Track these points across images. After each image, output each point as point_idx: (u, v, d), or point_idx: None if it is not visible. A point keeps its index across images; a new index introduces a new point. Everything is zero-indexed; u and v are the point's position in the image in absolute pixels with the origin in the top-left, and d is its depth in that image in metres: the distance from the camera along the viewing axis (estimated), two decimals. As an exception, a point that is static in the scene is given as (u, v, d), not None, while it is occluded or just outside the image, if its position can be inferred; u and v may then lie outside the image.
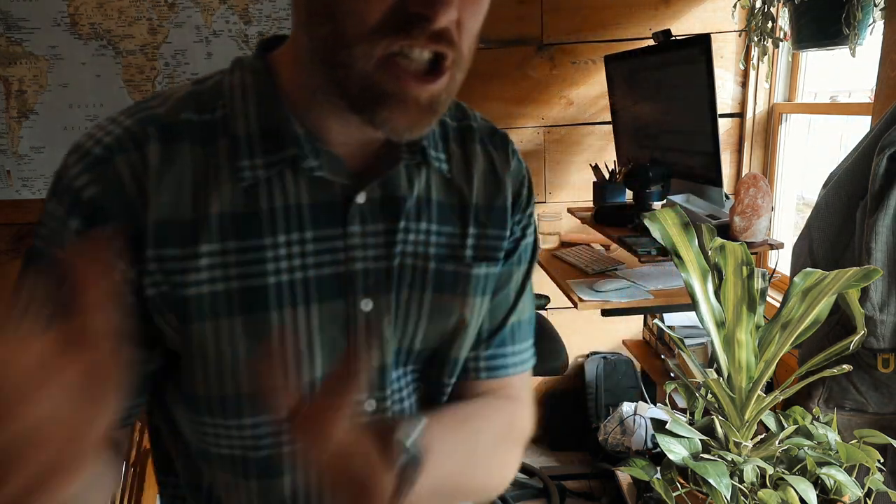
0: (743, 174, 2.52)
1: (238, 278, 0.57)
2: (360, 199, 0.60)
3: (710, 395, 0.97)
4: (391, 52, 0.49)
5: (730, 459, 0.90)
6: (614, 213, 2.13)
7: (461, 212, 0.66)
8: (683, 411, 1.09)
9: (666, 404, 1.02)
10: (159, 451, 0.74)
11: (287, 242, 0.58)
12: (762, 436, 0.97)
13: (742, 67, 2.47)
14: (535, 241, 0.73)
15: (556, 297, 2.31)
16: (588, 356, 2.80)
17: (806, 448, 0.91)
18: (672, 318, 2.19)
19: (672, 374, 2.18)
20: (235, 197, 0.57)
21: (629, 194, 2.23)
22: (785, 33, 2.15)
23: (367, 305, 0.61)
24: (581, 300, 1.81)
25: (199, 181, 0.57)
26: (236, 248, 0.57)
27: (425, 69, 0.51)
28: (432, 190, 0.64)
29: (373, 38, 0.49)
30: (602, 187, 2.32)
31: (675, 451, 0.90)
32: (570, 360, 2.31)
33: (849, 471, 0.89)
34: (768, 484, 0.89)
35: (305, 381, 0.60)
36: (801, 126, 2.41)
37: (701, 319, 0.95)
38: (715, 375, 0.94)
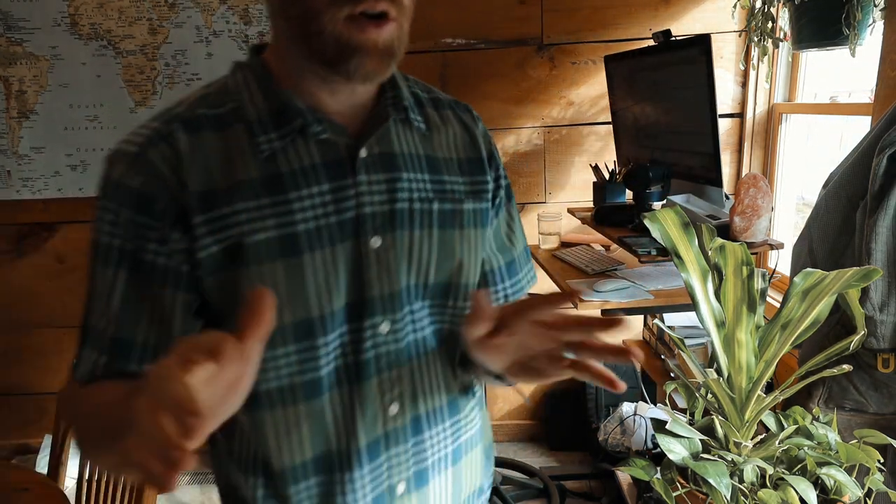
0: (743, 174, 2.52)
1: (275, 228, 0.68)
2: (363, 153, 0.72)
3: (710, 396, 0.98)
4: (350, 14, 0.63)
5: (730, 459, 0.90)
6: (614, 214, 2.14)
7: (447, 163, 0.79)
8: (683, 411, 1.09)
9: (666, 404, 1.02)
10: None
11: (309, 195, 0.70)
12: (762, 436, 0.97)
13: (742, 68, 2.47)
14: (509, 186, 0.88)
15: (557, 297, 2.31)
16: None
17: (806, 448, 0.91)
18: (672, 319, 2.19)
19: (672, 375, 2.18)
20: (259, 166, 0.69)
21: (629, 194, 2.23)
22: (785, 33, 2.15)
23: (376, 242, 0.72)
24: (581, 300, 1.81)
25: (225, 158, 0.69)
26: (269, 204, 0.69)
27: (376, 18, 0.64)
28: (419, 146, 0.78)
29: (334, 6, 0.62)
30: (602, 187, 2.32)
31: (676, 451, 0.90)
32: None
33: (849, 471, 0.89)
34: (768, 484, 0.89)
35: (331, 311, 0.71)
36: (800, 126, 2.42)
37: (701, 319, 0.95)
38: (715, 375, 0.94)
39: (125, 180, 0.67)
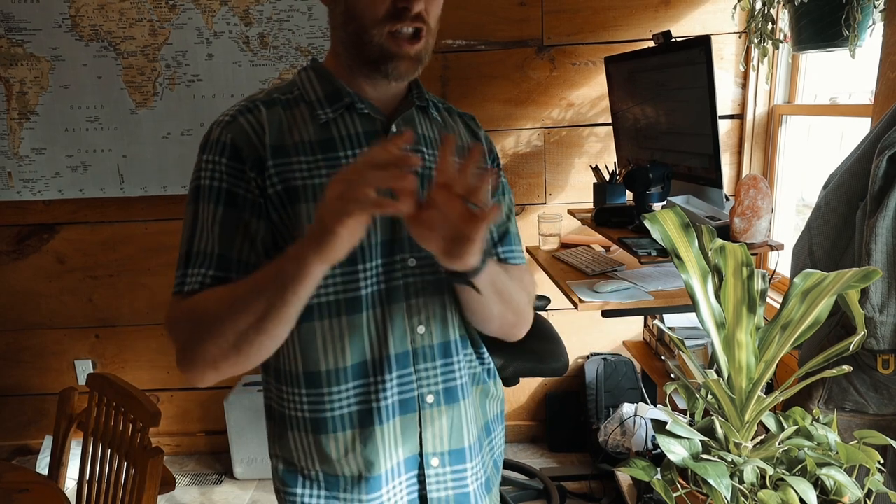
0: (743, 175, 2.52)
1: (326, 176, 0.90)
2: (394, 128, 0.95)
3: (710, 396, 0.98)
4: (391, 31, 0.87)
5: (730, 460, 0.90)
6: (614, 215, 2.14)
7: (454, 149, 0.95)
8: (683, 412, 1.09)
9: (666, 405, 1.02)
10: None
11: (353, 155, 0.92)
12: (762, 437, 0.97)
13: (742, 69, 2.48)
14: (506, 184, 1.08)
15: (557, 298, 2.31)
16: (588, 357, 2.80)
17: (806, 449, 0.91)
18: (672, 319, 2.19)
19: (672, 375, 2.18)
20: (316, 131, 0.93)
21: (629, 196, 2.23)
22: (785, 35, 2.16)
23: None
24: (581, 301, 1.81)
25: (291, 125, 0.93)
26: (323, 159, 0.91)
27: (411, 36, 0.89)
28: (434, 132, 1.01)
29: (380, 23, 0.87)
30: (602, 189, 2.32)
31: (676, 452, 0.90)
32: (571, 361, 2.31)
33: (849, 472, 0.89)
34: (768, 484, 0.89)
35: (369, 243, 0.91)
36: (800, 127, 2.42)
37: (701, 320, 0.95)
38: (715, 376, 0.94)
39: (221, 138, 0.90)
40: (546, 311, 2.53)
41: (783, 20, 2.16)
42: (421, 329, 0.95)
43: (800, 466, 0.90)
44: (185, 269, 0.88)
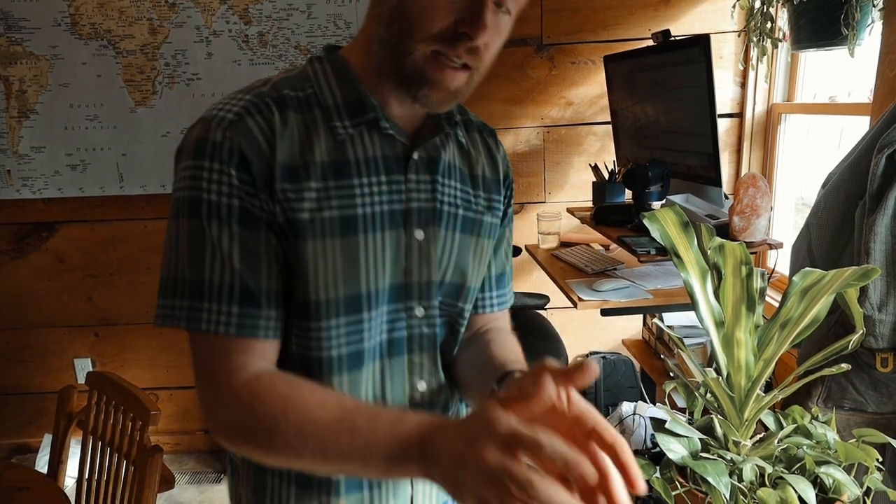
0: (742, 174, 2.52)
1: (337, 208, 0.76)
2: (416, 155, 0.81)
3: (709, 395, 0.98)
4: (437, 51, 0.71)
5: (729, 458, 0.90)
6: (613, 213, 2.14)
7: (472, 178, 0.88)
8: (683, 411, 1.09)
9: (665, 404, 1.02)
10: None
11: (369, 183, 0.78)
12: (761, 435, 0.97)
13: (741, 68, 2.48)
14: (512, 212, 0.98)
15: (556, 296, 2.31)
16: (587, 356, 2.80)
17: (805, 447, 0.91)
18: (671, 318, 2.19)
19: (671, 374, 2.18)
20: (330, 149, 0.77)
21: (628, 194, 2.23)
22: (784, 34, 2.16)
23: (420, 235, 0.81)
24: (580, 300, 1.81)
25: (304, 138, 0.76)
26: (335, 186, 0.76)
27: (457, 66, 0.72)
28: (456, 158, 0.87)
29: (430, 41, 0.71)
30: (601, 187, 2.32)
31: (675, 451, 0.90)
32: (570, 360, 2.31)
33: (847, 470, 0.89)
34: (767, 483, 0.89)
35: (376, 289, 0.78)
36: (800, 126, 2.42)
37: (700, 319, 0.95)
38: (714, 375, 0.94)
39: (227, 142, 0.72)
40: (545, 309, 2.53)
41: (782, 19, 2.16)
42: (421, 385, 0.85)
43: (799, 465, 0.90)
44: (200, 301, 0.72)
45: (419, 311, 0.83)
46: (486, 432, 0.55)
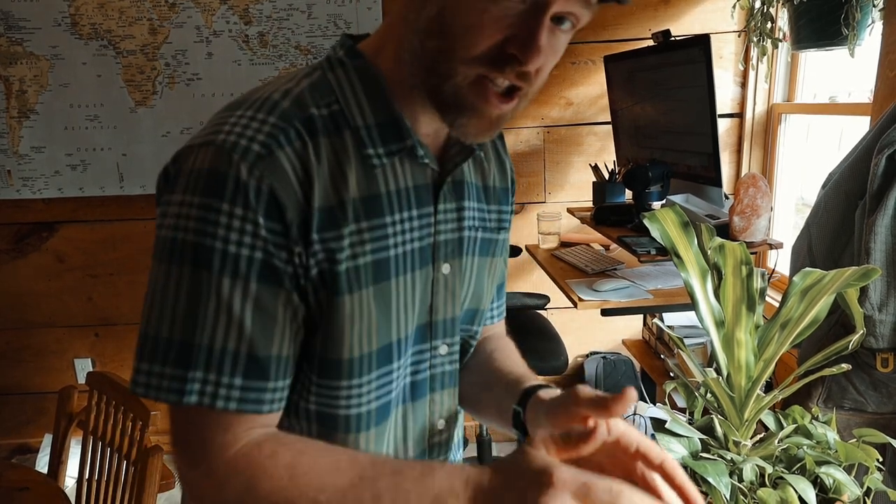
0: (742, 174, 2.52)
1: (371, 253, 0.67)
2: (445, 186, 0.73)
3: (709, 395, 0.98)
4: (483, 75, 0.60)
5: (729, 458, 0.90)
6: (614, 213, 2.14)
7: (486, 192, 0.82)
8: (683, 411, 1.09)
9: (665, 404, 1.02)
10: None
11: (401, 220, 0.69)
12: (761, 435, 0.97)
13: (741, 68, 2.48)
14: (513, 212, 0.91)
15: (556, 296, 2.31)
16: (588, 356, 2.80)
17: (805, 447, 0.91)
18: (671, 318, 2.19)
19: (671, 374, 2.18)
20: (361, 181, 0.66)
21: (629, 194, 2.23)
22: (784, 34, 2.16)
23: (446, 269, 0.75)
24: (581, 300, 1.81)
25: (335, 170, 0.64)
26: (367, 227, 0.66)
27: (503, 91, 0.62)
28: (474, 175, 0.79)
29: (473, 63, 0.60)
30: (602, 187, 2.32)
31: (675, 451, 0.90)
32: (570, 360, 2.31)
33: (848, 470, 0.89)
34: (767, 483, 0.89)
35: (406, 335, 0.71)
36: (800, 126, 2.42)
37: (700, 319, 0.95)
38: (714, 375, 0.94)
39: (253, 182, 0.59)
40: (545, 309, 2.53)
41: (782, 19, 2.16)
42: (441, 424, 0.80)
43: (799, 465, 0.90)
44: (193, 371, 0.59)
45: (443, 350, 0.77)
46: (553, 486, 0.50)
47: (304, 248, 0.62)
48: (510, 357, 0.86)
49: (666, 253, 1.09)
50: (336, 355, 0.67)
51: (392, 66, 0.68)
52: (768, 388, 1.13)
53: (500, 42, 0.59)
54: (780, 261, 2.04)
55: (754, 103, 2.48)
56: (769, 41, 2.10)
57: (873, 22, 1.70)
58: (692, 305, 0.94)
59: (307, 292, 0.64)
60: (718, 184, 1.85)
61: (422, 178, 0.71)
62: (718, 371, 0.95)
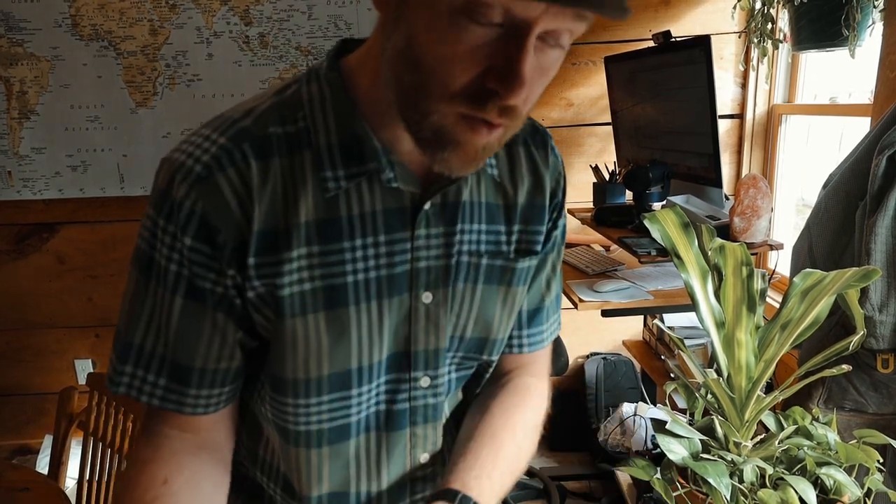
0: (743, 175, 2.52)
1: (321, 278, 0.64)
2: (427, 206, 0.67)
3: (709, 396, 0.98)
4: (465, 115, 0.55)
5: (729, 459, 0.90)
6: (614, 214, 2.14)
7: (506, 211, 0.74)
8: (683, 412, 1.09)
9: (666, 405, 1.02)
10: None
11: (363, 246, 0.65)
12: (762, 436, 0.97)
13: (742, 68, 2.48)
14: (565, 225, 0.81)
15: (557, 297, 2.31)
16: (588, 357, 2.80)
17: (805, 448, 0.91)
18: (672, 319, 2.19)
19: (672, 375, 2.18)
20: (318, 205, 0.63)
21: (629, 195, 2.23)
22: (784, 34, 2.16)
23: (427, 298, 0.70)
24: (581, 301, 1.81)
25: (288, 192, 0.63)
26: (319, 252, 0.64)
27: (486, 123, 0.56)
28: (482, 192, 0.72)
29: (452, 100, 0.54)
30: (602, 188, 2.32)
31: (675, 452, 0.90)
32: (570, 361, 2.31)
33: (848, 471, 0.89)
34: (768, 484, 0.89)
35: (369, 364, 0.69)
36: (800, 127, 2.42)
37: (701, 320, 0.95)
38: (715, 376, 0.94)
39: (187, 203, 0.61)
40: (546, 310, 2.52)
41: (783, 20, 2.16)
42: (424, 457, 0.76)
43: (799, 466, 0.90)
44: (125, 364, 0.66)
45: (424, 382, 0.73)
46: None
47: (237, 271, 0.63)
48: (493, 425, 0.77)
49: (666, 254, 1.09)
50: (281, 374, 0.68)
51: (370, 84, 0.63)
52: (769, 388, 1.13)
53: (479, 74, 0.53)
54: (780, 262, 2.04)
55: (755, 104, 2.48)
56: (770, 42, 2.10)
57: (874, 23, 1.70)
58: (693, 306, 0.94)
59: (249, 311, 0.65)
60: (719, 184, 1.85)
61: (395, 202, 0.66)
62: (719, 372, 0.95)
